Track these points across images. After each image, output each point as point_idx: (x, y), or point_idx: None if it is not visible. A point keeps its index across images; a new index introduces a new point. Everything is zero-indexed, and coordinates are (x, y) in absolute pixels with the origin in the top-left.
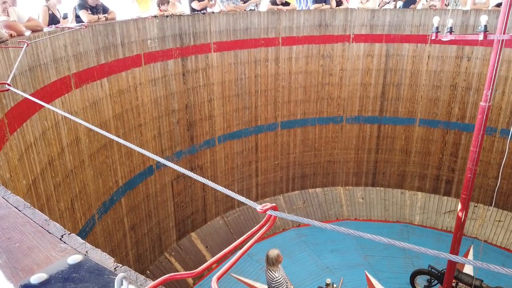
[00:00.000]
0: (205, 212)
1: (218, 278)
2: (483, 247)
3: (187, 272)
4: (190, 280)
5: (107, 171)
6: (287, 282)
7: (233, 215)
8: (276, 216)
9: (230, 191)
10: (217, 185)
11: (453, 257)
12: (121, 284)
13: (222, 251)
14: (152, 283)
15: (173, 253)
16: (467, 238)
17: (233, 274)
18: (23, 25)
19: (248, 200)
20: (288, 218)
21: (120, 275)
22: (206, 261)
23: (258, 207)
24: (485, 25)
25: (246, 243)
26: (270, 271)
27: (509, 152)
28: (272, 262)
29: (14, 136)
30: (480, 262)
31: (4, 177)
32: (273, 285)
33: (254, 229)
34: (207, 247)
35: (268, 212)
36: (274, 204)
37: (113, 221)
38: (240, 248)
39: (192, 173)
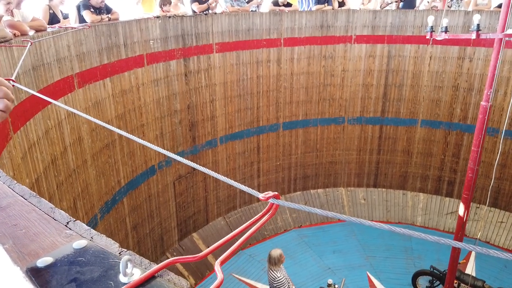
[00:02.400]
0: (207, 213)
1: (222, 263)
2: (486, 248)
3: (190, 256)
4: (192, 280)
5: (109, 170)
6: (288, 282)
7: (234, 216)
8: (278, 205)
9: (232, 181)
10: (221, 175)
11: (457, 243)
12: (126, 266)
13: (223, 238)
14: (157, 266)
15: (174, 253)
16: (469, 239)
17: (234, 275)
18: (27, 24)
19: (249, 188)
20: (290, 206)
21: (125, 257)
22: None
23: (260, 195)
24: (478, 24)
25: (246, 232)
26: (272, 271)
27: (509, 152)
28: (274, 262)
29: (18, 135)
30: (481, 248)
31: (8, 175)
32: (275, 285)
33: (256, 217)
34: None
35: (270, 201)
36: (276, 193)
37: (115, 221)
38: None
39: (203, 168)
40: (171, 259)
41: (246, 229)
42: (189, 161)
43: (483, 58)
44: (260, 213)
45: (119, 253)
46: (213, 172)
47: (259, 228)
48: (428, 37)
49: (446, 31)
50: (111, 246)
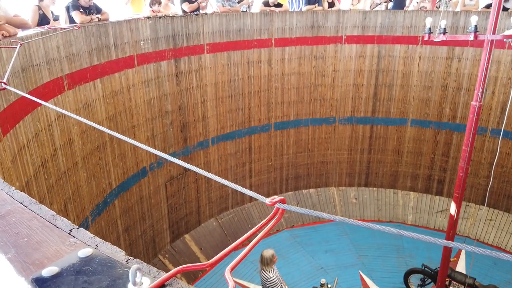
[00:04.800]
0: (199, 214)
1: (231, 269)
2: (475, 246)
3: (200, 263)
4: (184, 281)
5: (100, 173)
6: (281, 283)
7: (227, 217)
8: (284, 209)
9: (240, 187)
10: (225, 180)
11: (448, 243)
12: (136, 275)
13: (234, 242)
14: (166, 274)
15: (167, 255)
16: (459, 237)
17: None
18: (9, 20)
19: (255, 193)
20: (297, 211)
21: (134, 266)
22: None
23: (267, 200)
24: (475, 26)
25: (254, 236)
26: (265, 272)
27: (500, 151)
28: (266, 262)
29: (7, 138)
30: (472, 247)
31: None
32: (268, 285)
33: (262, 222)
34: (201, 248)
35: (277, 205)
36: (282, 197)
37: (107, 224)
38: (249, 242)
39: (198, 169)
40: (180, 267)
41: (254, 234)
42: (185, 163)
43: (471, 58)
44: (267, 218)
45: (126, 261)
46: (217, 177)
47: (267, 233)
48: (426, 38)
49: (444, 32)
50: (117, 254)
